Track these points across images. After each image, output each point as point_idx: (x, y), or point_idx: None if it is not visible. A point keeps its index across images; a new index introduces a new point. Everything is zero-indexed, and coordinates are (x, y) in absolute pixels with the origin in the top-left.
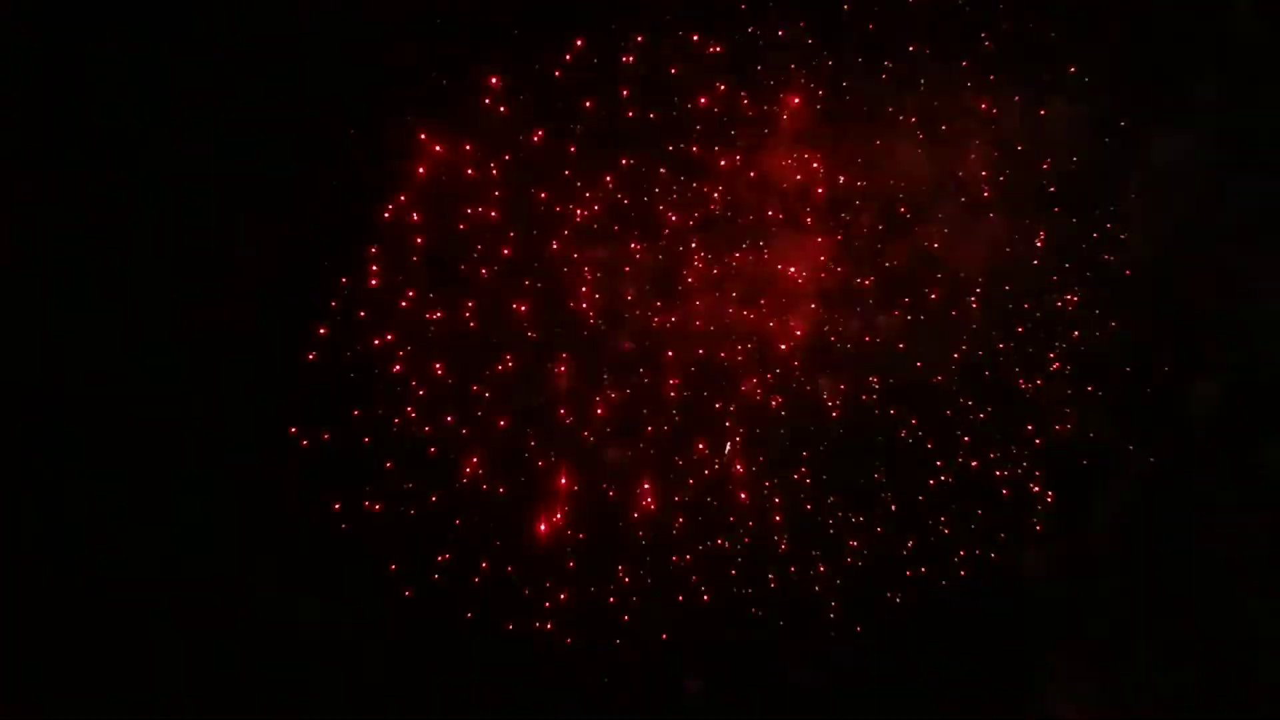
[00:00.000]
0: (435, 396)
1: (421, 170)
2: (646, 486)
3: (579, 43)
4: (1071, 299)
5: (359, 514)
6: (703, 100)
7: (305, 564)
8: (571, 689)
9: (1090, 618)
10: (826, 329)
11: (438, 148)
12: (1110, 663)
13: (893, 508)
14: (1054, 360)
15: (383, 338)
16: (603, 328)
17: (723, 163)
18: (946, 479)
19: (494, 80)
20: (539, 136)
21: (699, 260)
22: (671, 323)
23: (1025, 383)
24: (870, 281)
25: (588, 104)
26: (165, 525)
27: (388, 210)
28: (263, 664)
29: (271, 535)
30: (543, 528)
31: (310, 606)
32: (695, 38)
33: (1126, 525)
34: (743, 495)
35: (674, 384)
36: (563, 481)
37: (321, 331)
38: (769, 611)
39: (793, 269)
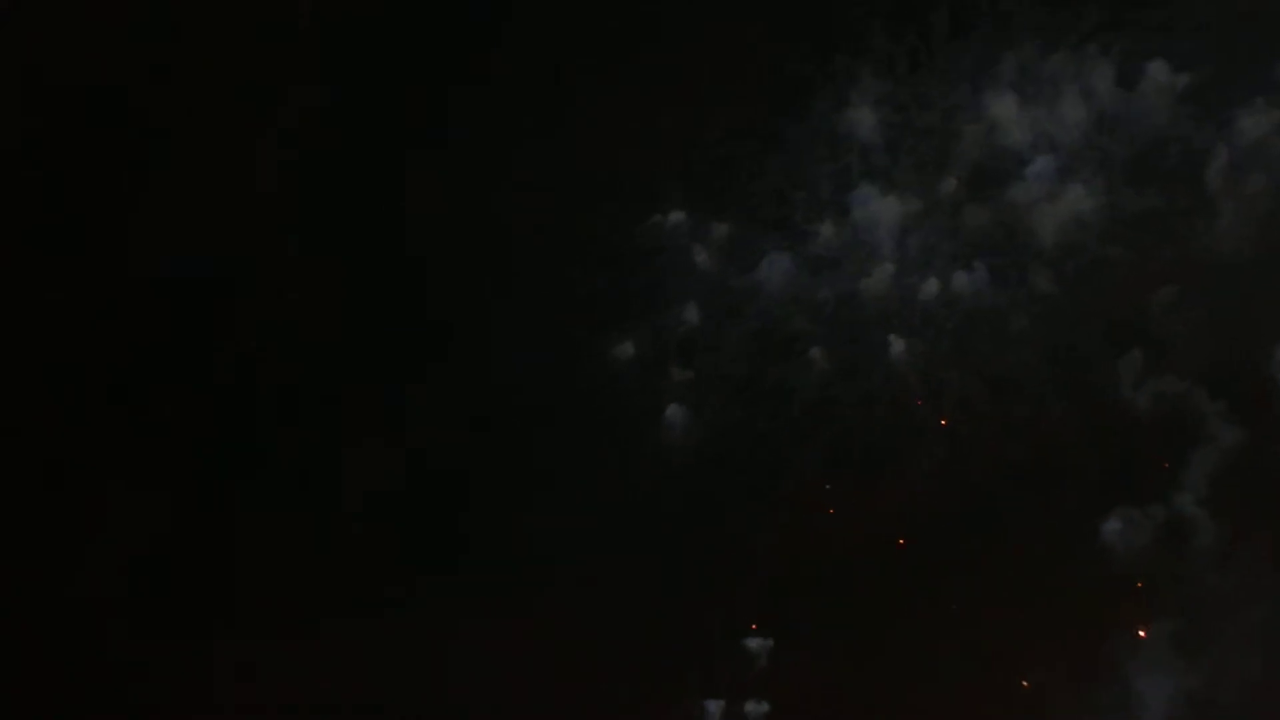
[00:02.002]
0: None
1: None
2: None
3: None
4: (1159, 269)
5: None
6: None
7: None
8: None
9: (1179, 594)
10: None
11: None
12: (1198, 642)
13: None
14: (1141, 330)
15: None
16: None
17: None
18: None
19: None
20: None
21: None
22: None
23: (1109, 354)
24: None
25: None
26: None
27: None
28: None
29: None
30: None
31: None
32: None
33: (1215, 498)
34: None
35: None
36: None
37: None
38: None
39: None
